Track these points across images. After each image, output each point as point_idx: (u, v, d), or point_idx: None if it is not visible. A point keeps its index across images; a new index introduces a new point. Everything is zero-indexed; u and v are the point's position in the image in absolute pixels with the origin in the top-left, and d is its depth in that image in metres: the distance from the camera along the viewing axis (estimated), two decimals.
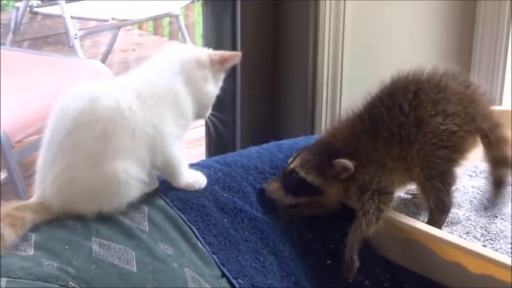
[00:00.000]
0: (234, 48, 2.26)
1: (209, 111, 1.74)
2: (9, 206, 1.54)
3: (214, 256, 1.67)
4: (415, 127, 1.76)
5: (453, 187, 1.85)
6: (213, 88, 1.72)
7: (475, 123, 1.81)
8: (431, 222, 1.83)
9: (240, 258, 1.71)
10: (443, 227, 1.86)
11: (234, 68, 2.23)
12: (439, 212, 1.83)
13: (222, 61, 1.72)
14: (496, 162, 1.87)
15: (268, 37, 2.26)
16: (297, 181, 1.78)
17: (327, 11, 2.14)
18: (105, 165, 1.57)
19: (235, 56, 1.75)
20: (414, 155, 1.78)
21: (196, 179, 1.77)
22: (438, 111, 1.77)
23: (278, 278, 1.73)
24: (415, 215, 1.92)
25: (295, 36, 2.23)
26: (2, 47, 4.27)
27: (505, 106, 2.48)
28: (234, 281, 1.66)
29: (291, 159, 1.82)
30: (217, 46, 2.29)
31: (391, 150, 1.77)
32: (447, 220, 1.88)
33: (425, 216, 1.91)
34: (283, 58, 2.27)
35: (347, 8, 2.16)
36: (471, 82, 1.86)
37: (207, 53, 1.72)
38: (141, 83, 1.65)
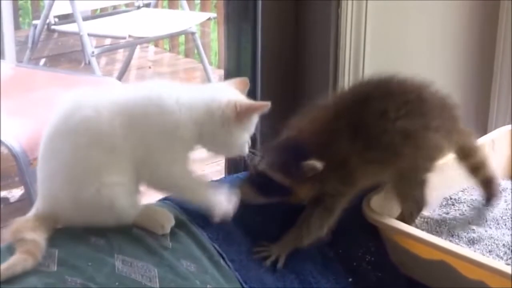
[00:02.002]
0: (254, 54, 2.24)
1: (246, 150, 1.67)
2: (17, 225, 1.55)
3: (236, 273, 1.67)
4: (402, 137, 1.76)
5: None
6: (239, 135, 1.64)
7: (452, 136, 1.87)
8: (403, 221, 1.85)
9: (262, 276, 1.70)
10: (466, 246, 1.85)
11: (254, 76, 2.22)
12: (413, 214, 1.89)
13: (249, 113, 1.63)
14: (477, 167, 1.98)
15: (289, 39, 2.25)
16: (267, 183, 1.75)
17: (348, 12, 2.13)
18: (80, 177, 1.56)
19: (263, 106, 1.65)
20: (398, 164, 1.80)
21: (222, 205, 1.66)
22: (425, 124, 1.80)
23: None
24: (437, 233, 1.91)
25: (316, 39, 2.22)
26: (19, 64, 4.29)
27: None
28: None
29: (257, 159, 1.77)
30: (237, 50, 2.29)
31: (368, 153, 1.76)
32: (469, 239, 1.87)
33: (448, 234, 1.90)
34: (303, 63, 2.26)
35: (369, 10, 2.15)
36: (444, 94, 1.88)
37: (233, 106, 1.61)
38: (143, 100, 1.60)
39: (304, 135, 1.77)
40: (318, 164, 1.70)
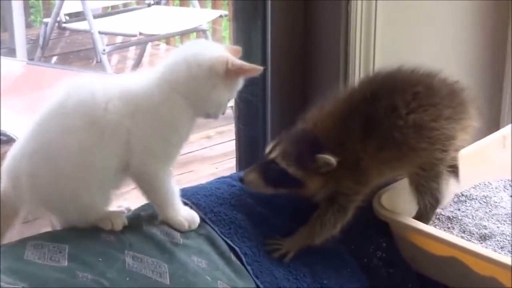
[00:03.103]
0: (264, 51, 2.24)
1: (220, 114, 1.65)
2: None
3: (248, 268, 1.67)
4: (415, 131, 1.74)
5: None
6: (222, 94, 1.62)
7: (465, 123, 1.84)
8: (421, 217, 1.85)
9: (273, 270, 1.70)
10: (477, 242, 1.84)
11: (264, 73, 2.21)
12: (432, 208, 1.87)
13: (239, 73, 1.61)
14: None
15: (299, 36, 2.24)
16: (277, 172, 1.72)
17: (358, 8, 2.12)
18: (64, 158, 1.52)
19: (255, 70, 1.64)
20: (414, 158, 1.78)
21: (187, 217, 1.66)
22: (437, 115, 1.78)
23: None
24: (448, 229, 1.91)
25: (326, 36, 2.21)
26: (30, 62, 4.30)
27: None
28: None
29: (269, 148, 1.76)
30: (247, 48, 2.28)
31: (382, 152, 1.74)
32: (481, 235, 1.87)
33: (459, 230, 1.89)
34: (313, 60, 2.25)
35: (379, 6, 2.14)
36: (454, 80, 1.86)
37: (225, 61, 1.59)
38: (136, 88, 1.58)
39: (319, 130, 1.75)
40: (332, 160, 1.69)
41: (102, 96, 1.55)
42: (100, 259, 1.49)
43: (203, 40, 1.78)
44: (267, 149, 1.77)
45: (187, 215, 1.67)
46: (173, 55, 1.64)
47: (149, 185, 1.62)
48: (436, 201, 1.86)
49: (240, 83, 1.65)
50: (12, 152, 1.58)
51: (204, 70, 1.59)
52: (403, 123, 1.73)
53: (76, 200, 1.56)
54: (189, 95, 1.59)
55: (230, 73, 1.60)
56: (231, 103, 1.73)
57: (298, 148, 1.73)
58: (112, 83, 1.60)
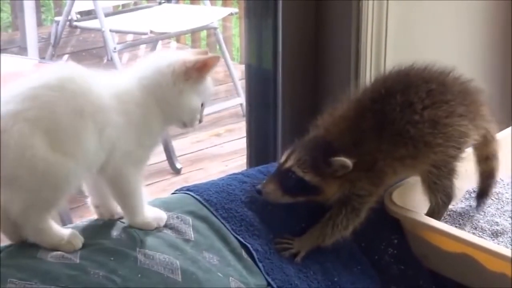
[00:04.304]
0: (275, 50, 2.24)
1: (197, 121, 1.63)
2: None
3: (260, 264, 1.67)
4: (430, 127, 1.75)
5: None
6: (191, 99, 1.60)
7: (476, 122, 1.85)
8: (433, 214, 1.85)
9: (284, 268, 1.70)
10: (489, 239, 1.84)
11: (275, 71, 2.21)
12: (445, 205, 1.87)
13: (198, 68, 1.57)
14: (488, 157, 1.94)
15: (310, 33, 2.24)
16: (294, 181, 1.73)
17: (369, 6, 2.12)
18: (66, 138, 1.46)
19: (213, 60, 1.59)
20: (429, 155, 1.78)
21: (155, 217, 1.64)
22: (450, 112, 1.78)
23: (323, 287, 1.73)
24: (459, 225, 1.90)
25: (337, 34, 2.21)
26: (42, 60, 4.31)
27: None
28: None
29: (284, 157, 1.77)
30: (258, 46, 2.28)
31: (397, 150, 1.74)
32: (493, 231, 1.86)
33: (471, 226, 1.89)
34: (325, 58, 2.25)
35: (390, 3, 2.13)
36: (467, 79, 1.87)
37: (181, 62, 1.58)
38: (125, 88, 1.57)
39: (332, 134, 1.75)
40: (348, 162, 1.69)
41: (106, 93, 1.53)
42: (112, 257, 1.50)
43: (166, 51, 1.76)
44: (282, 159, 1.78)
45: (154, 216, 1.64)
46: (144, 64, 1.64)
47: (122, 189, 1.60)
48: (448, 198, 1.87)
49: (208, 84, 1.62)
50: None
51: (167, 77, 1.58)
52: (419, 118, 1.74)
53: (52, 177, 1.46)
54: (160, 104, 1.59)
55: (190, 71, 1.58)
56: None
57: (313, 154, 1.73)
58: (106, 80, 1.57)
